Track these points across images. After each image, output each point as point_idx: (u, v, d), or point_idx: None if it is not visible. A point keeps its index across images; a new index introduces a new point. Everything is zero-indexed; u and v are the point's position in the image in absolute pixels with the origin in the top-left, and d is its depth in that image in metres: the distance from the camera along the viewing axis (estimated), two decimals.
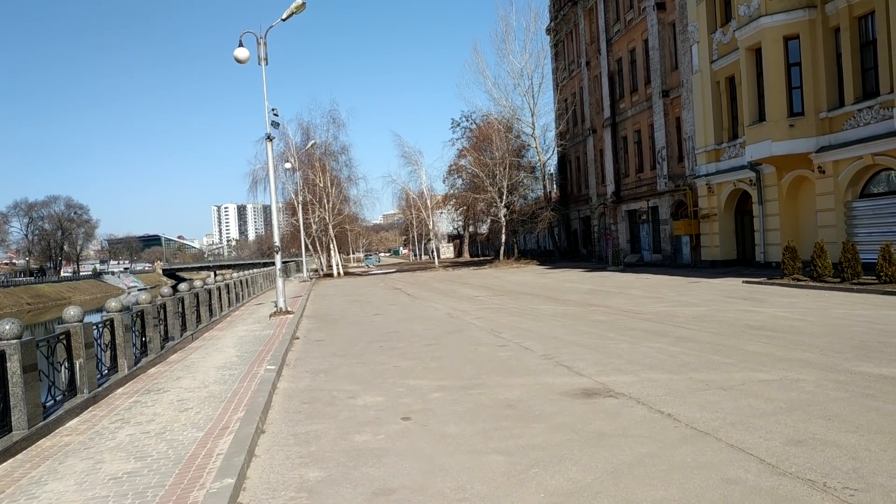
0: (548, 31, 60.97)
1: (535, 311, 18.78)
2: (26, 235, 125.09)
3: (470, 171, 63.03)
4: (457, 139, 70.67)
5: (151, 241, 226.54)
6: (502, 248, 58.95)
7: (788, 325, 13.22)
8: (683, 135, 36.99)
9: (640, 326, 14.28)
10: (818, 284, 20.73)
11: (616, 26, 46.64)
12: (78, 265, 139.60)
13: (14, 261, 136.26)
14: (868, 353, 9.90)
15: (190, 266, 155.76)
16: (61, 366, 9.10)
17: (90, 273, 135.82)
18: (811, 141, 25.35)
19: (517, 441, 6.66)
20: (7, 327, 7.57)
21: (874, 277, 19.16)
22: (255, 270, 41.48)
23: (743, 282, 24.18)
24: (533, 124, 56.60)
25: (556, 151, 59.61)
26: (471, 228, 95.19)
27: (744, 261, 32.33)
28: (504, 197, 56.73)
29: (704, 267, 33.46)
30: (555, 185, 63.22)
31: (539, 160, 58.58)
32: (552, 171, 62.41)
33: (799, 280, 22.00)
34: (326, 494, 5.57)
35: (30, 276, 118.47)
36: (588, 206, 54.28)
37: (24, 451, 7.26)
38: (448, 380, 9.93)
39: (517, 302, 22.15)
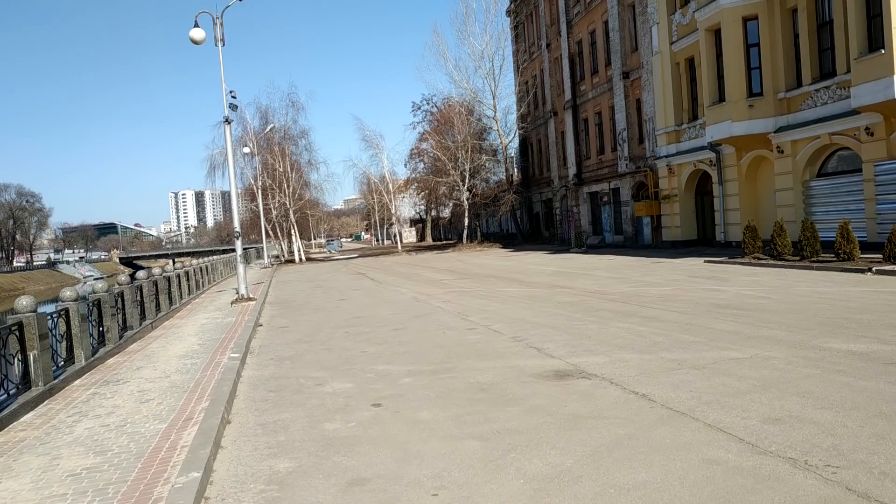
0: (508, 12, 60.76)
1: (501, 294, 18.70)
2: None
3: (432, 154, 62.82)
4: (418, 122, 70.41)
5: (107, 229, 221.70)
6: (465, 232, 58.89)
7: (754, 303, 13.32)
8: (644, 116, 37.18)
9: (608, 307, 14.26)
10: (779, 263, 21.01)
11: (576, 8, 46.56)
12: (31, 255, 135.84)
13: None
14: (834, 330, 9.98)
15: (148, 254, 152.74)
16: (14, 358, 8.71)
17: (44, 263, 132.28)
18: (770, 121, 25.64)
19: (492, 425, 6.52)
20: None
21: (833, 255, 19.45)
22: (214, 257, 40.74)
23: (705, 261, 24.42)
24: (494, 107, 56.52)
25: (517, 134, 59.55)
26: (433, 212, 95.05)
27: (704, 241, 32.71)
28: (466, 180, 56.59)
29: (666, 248, 33.78)
30: (517, 168, 63.25)
31: (501, 143, 58.53)
32: (514, 153, 62.42)
33: (760, 259, 22.27)
34: (298, 486, 5.36)
35: None
36: (550, 189, 54.43)
37: None
38: (418, 364, 9.76)
39: (483, 285, 22.05)
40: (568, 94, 48.19)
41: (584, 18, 45.25)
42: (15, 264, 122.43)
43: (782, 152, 25.50)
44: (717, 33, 27.42)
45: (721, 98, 27.25)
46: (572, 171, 48.12)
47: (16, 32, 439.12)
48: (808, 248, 20.35)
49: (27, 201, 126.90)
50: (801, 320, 11.00)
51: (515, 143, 61.52)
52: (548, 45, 52.33)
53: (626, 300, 15.19)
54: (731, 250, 26.98)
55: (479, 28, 56.72)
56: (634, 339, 10.33)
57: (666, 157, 33.68)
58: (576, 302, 15.56)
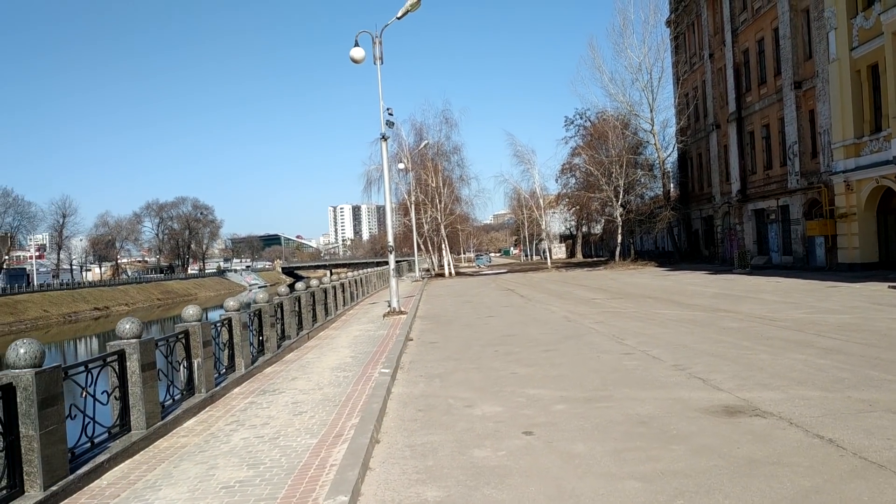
0: (668, 23, 58.66)
1: (658, 317, 17.75)
2: (157, 234, 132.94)
3: (584, 169, 61.71)
4: (570, 137, 69.40)
5: (271, 240, 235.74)
6: (618, 249, 57.18)
7: None
8: (818, 129, 34.51)
9: (779, 335, 13.08)
10: None
11: (742, 15, 44.19)
12: (203, 263, 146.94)
13: (146, 258, 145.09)
14: None
15: (307, 265, 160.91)
16: (180, 365, 9.09)
17: (214, 271, 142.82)
18: None
19: (655, 465, 5.96)
20: (126, 326, 7.55)
21: None
22: (368, 270, 41.93)
23: (889, 287, 22.09)
24: (652, 120, 54.58)
25: (675, 148, 57.18)
26: (584, 228, 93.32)
27: (887, 264, 29.75)
28: (620, 196, 54.98)
29: (842, 270, 31.05)
30: (674, 184, 60.73)
31: (658, 157, 56.42)
32: (671, 168, 59.97)
33: None
34: None
35: (160, 273, 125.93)
36: (711, 206, 51.77)
37: (141, 452, 7.20)
38: (571, 390, 9.27)
39: (638, 306, 21.09)
40: (732, 106, 45.71)
41: (751, 26, 42.82)
42: (189, 271, 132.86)
43: None
44: None
45: None
46: (736, 186, 45.53)
47: (184, 57, 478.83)
48: None
49: (201, 213, 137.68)
50: None
51: (673, 158, 59.10)
52: (710, 55, 49.96)
53: (800, 328, 13.89)
54: None
55: (637, 40, 55.16)
56: (814, 374, 9.31)
57: (843, 172, 30.99)
58: (742, 328, 14.43)
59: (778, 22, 38.49)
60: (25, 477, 5.57)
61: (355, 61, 20.94)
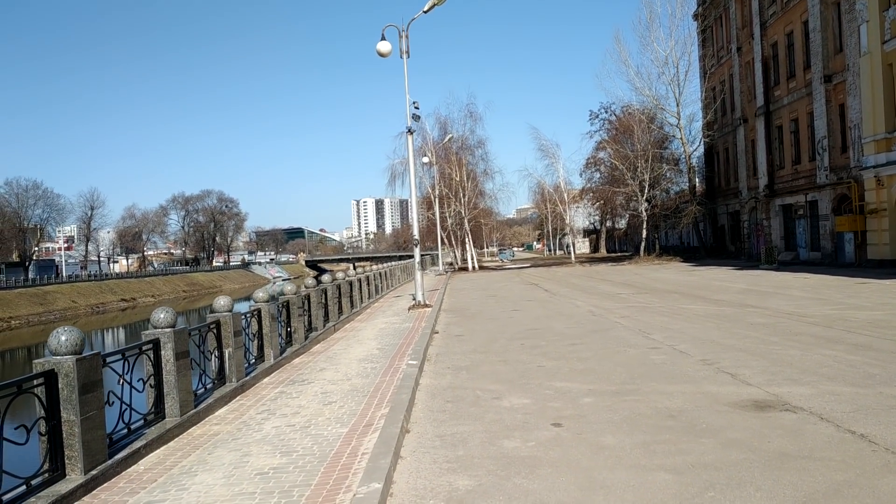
0: (695, 16, 58.04)
1: (684, 312, 17.65)
2: (183, 227, 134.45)
3: (609, 163, 61.35)
4: (595, 131, 69.06)
5: (295, 233, 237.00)
6: (643, 244, 56.81)
7: None
8: (848, 123, 34.01)
9: (808, 331, 12.97)
10: None
11: (771, 8, 43.62)
12: (228, 255, 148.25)
13: (172, 251, 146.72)
14: None
15: (331, 258, 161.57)
16: (211, 354, 9.23)
17: (239, 263, 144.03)
18: None
19: (685, 458, 5.97)
20: (161, 316, 7.69)
21: None
22: (392, 263, 42.12)
23: None
24: (678, 114, 54.01)
25: (702, 142, 56.60)
26: (608, 223, 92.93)
27: None
28: (645, 191, 54.59)
29: (871, 267, 30.63)
30: (700, 178, 60.16)
31: (684, 152, 55.90)
32: (697, 163, 59.37)
33: None
34: None
35: (185, 265, 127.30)
36: (737, 201, 51.26)
37: (175, 439, 7.34)
38: (598, 383, 9.29)
39: (663, 301, 20.98)
40: (760, 100, 45.19)
41: (780, 19, 42.27)
42: (214, 264, 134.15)
43: None
44: None
45: None
46: (763, 181, 45.04)
47: (208, 52, 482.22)
48: None
49: (226, 206, 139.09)
50: None
51: (699, 152, 58.52)
52: (738, 49, 49.40)
53: (829, 324, 13.76)
54: None
55: (664, 33, 54.61)
56: (844, 369, 9.23)
57: (874, 167, 30.54)
58: (770, 324, 14.32)
59: (808, 15, 37.96)
60: (67, 461, 5.73)
61: (382, 55, 20.97)
